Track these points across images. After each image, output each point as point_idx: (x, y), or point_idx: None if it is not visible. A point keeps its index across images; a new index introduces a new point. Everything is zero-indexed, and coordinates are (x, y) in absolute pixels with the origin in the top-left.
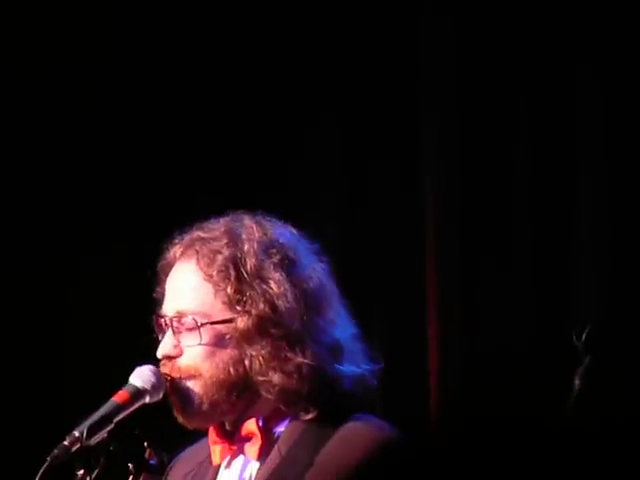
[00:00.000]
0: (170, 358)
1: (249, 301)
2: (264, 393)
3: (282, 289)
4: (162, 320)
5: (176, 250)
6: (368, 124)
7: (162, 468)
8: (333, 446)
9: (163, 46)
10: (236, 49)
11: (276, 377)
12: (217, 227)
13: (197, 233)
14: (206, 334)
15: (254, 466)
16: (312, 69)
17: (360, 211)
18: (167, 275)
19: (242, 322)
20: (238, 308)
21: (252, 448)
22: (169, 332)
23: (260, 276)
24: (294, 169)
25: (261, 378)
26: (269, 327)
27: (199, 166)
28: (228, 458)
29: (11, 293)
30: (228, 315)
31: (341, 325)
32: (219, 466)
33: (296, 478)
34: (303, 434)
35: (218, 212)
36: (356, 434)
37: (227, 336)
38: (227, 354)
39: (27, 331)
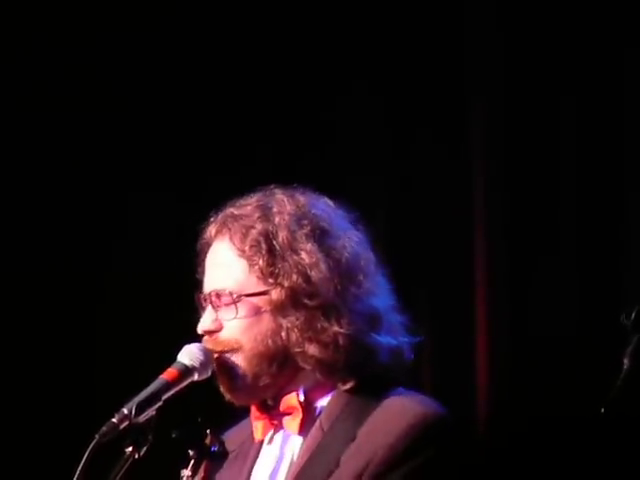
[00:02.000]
0: (211, 333)
1: (282, 273)
2: (302, 364)
3: (314, 259)
4: (202, 297)
5: (211, 229)
6: (413, 99)
7: (224, 454)
8: (376, 420)
9: (202, 19)
10: (281, 29)
11: (312, 348)
12: (249, 203)
13: (230, 210)
14: (242, 308)
15: (296, 440)
16: (354, 47)
17: (406, 191)
18: (206, 254)
19: (276, 294)
20: (271, 281)
21: (293, 422)
22: (209, 308)
23: (292, 248)
24: (339, 146)
25: (298, 349)
26: (303, 298)
27: (242, 152)
28: (271, 434)
29: (46, 281)
30: (262, 288)
31: (380, 295)
32: (262, 443)
33: (339, 452)
34: (345, 408)
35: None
36: (399, 408)
37: (262, 309)
38: (264, 326)
39: (61, 318)
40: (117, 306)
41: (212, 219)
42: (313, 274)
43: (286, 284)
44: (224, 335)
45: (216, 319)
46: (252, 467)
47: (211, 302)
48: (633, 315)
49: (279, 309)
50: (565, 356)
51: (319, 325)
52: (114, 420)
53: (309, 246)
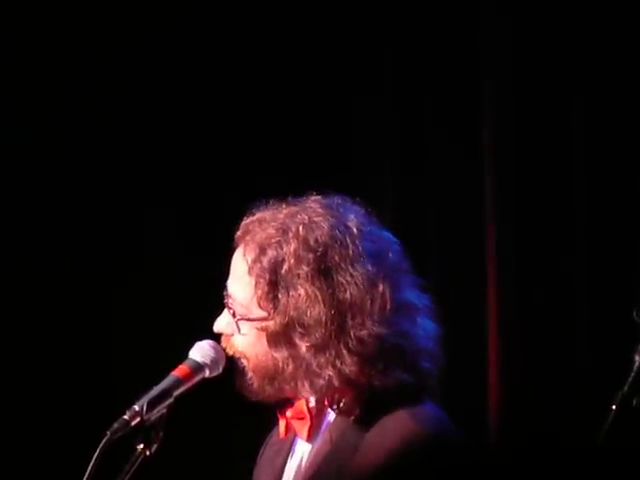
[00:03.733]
0: (226, 334)
1: (279, 307)
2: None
3: (311, 300)
4: (224, 293)
5: (238, 233)
6: (425, 101)
7: None
8: (374, 434)
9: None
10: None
11: (305, 386)
12: (275, 218)
13: (256, 221)
14: (244, 327)
15: (306, 447)
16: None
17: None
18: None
19: (271, 325)
20: (268, 312)
21: (303, 428)
22: (226, 310)
23: (292, 283)
24: (354, 132)
25: (287, 386)
26: (295, 337)
27: (254, 142)
28: None
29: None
30: (261, 315)
31: (392, 329)
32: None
33: (343, 467)
34: (354, 420)
35: (278, 185)
36: (394, 425)
37: (261, 334)
38: (263, 349)
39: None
40: (133, 306)
41: (244, 218)
42: (308, 314)
43: (280, 320)
44: (235, 341)
45: (229, 323)
46: (286, 461)
47: (228, 304)
48: None
49: (273, 341)
50: (574, 348)
51: (313, 366)
52: (125, 417)
53: (308, 285)
